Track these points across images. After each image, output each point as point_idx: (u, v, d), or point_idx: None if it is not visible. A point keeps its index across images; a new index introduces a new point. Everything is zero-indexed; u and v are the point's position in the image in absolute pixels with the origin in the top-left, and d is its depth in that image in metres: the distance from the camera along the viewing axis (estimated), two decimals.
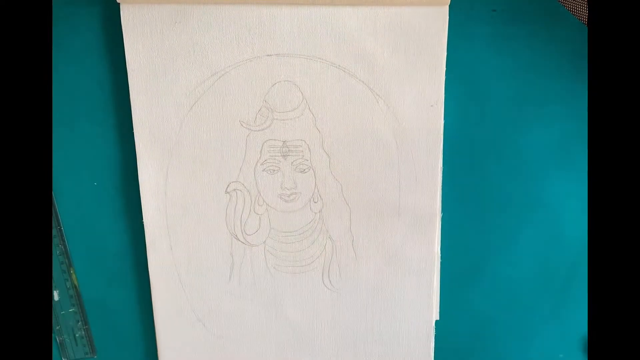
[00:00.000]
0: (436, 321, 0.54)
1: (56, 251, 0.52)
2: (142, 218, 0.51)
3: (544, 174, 0.52)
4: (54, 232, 0.51)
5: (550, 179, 0.52)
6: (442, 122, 0.49)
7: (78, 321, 0.54)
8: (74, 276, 0.53)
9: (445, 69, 0.48)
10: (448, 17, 0.47)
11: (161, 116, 0.49)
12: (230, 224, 0.51)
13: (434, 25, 0.47)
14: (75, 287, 0.53)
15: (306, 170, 0.50)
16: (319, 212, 0.51)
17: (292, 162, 0.50)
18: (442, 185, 0.51)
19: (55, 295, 0.53)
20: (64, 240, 0.52)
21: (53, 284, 0.53)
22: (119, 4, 0.47)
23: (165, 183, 0.51)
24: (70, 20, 0.48)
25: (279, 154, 0.50)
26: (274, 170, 0.50)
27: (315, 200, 0.51)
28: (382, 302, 0.53)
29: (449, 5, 0.47)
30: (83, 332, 0.54)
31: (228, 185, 0.51)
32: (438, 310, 0.54)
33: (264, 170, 0.50)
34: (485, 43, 0.49)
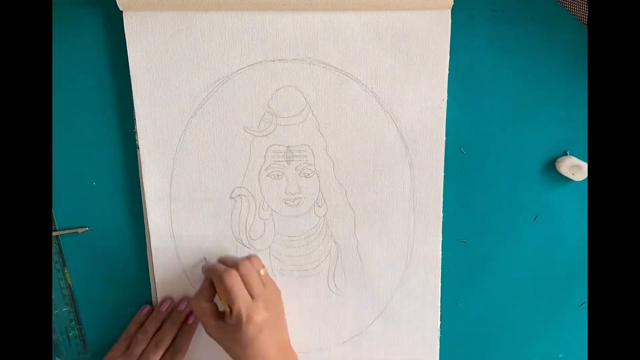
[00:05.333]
0: None
1: None
2: (139, 218, 0.52)
3: (544, 174, 0.52)
4: None
5: (550, 179, 0.52)
6: (444, 124, 0.50)
7: (72, 320, 0.54)
8: (67, 275, 0.53)
9: (448, 72, 0.49)
10: (450, 20, 0.47)
11: (165, 122, 0.49)
12: (235, 229, 0.52)
13: (436, 29, 0.48)
14: (69, 286, 0.54)
15: (310, 175, 0.51)
16: (324, 216, 0.52)
17: (296, 167, 0.51)
18: (443, 186, 0.51)
19: None
20: (58, 239, 0.52)
21: None
22: (122, 11, 0.47)
23: (170, 189, 0.51)
24: (73, 24, 0.49)
25: (283, 159, 0.50)
26: (278, 175, 0.51)
27: (320, 205, 0.52)
28: (387, 305, 0.54)
29: None
30: (76, 332, 0.54)
31: (232, 191, 0.51)
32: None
33: (268, 175, 0.51)
34: (485, 43, 0.49)
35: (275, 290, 0.50)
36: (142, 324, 0.52)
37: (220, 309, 0.48)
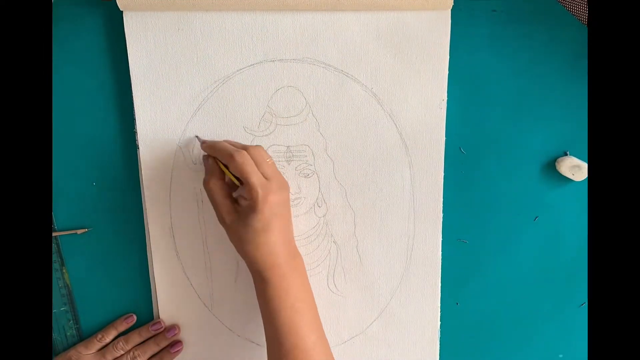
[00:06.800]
0: None
1: None
2: (139, 218, 0.52)
3: (544, 174, 0.52)
4: None
5: (550, 179, 0.52)
6: (444, 124, 0.50)
7: (69, 320, 0.54)
8: (66, 275, 0.53)
9: (447, 72, 0.49)
10: (450, 20, 0.47)
11: (165, 122, 0.49)
12: None
13: (436, 29, 0.48)
14: (67, 286, 0.54)
15: (310, 175, 0.51)
16: (323, 216, 0.52)
17: (296, 167, 0.51)
18: (443, 186, 0.51)
19: None
20: (57, 239, 0.52)
21: None
22: (122, 11, 0.47)
23: (169, 189, 0.51)
24: (73, 24, 0.49)
25: (283, 159, 0.50)
26: None
27: (320, 205, 0.52)
28: (387, 305, 0.54)
29: None
30: (74, 332, 0.54)
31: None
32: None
33: None
34: (485, 43, 0.49)
35: (284, 179, 0.46)
36: (116, 329, 0.53)
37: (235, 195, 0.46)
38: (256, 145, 0.46)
